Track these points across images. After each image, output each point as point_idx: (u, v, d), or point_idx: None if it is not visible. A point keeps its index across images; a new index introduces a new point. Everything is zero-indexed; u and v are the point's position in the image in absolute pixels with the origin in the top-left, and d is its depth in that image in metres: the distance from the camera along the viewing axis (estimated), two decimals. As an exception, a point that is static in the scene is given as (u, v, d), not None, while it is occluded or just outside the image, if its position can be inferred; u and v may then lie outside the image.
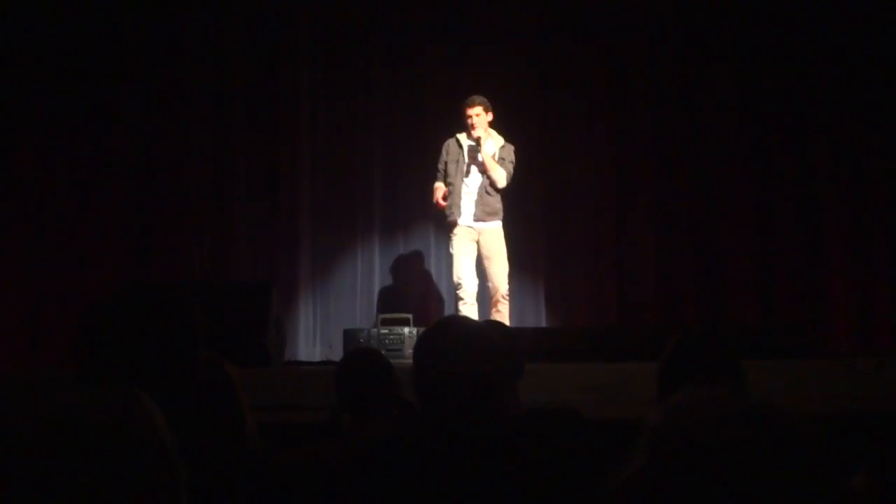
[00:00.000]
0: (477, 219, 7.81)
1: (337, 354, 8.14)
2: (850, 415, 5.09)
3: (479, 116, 7.79)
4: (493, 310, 7.76)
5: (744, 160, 9.34)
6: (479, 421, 2.31)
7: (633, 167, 9.38)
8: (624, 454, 1.42)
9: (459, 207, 7.82)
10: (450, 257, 9.17)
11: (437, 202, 7.92)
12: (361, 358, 3.93)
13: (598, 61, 9.45)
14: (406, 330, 7.95)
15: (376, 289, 9.29)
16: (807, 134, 9.32)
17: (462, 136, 7.92)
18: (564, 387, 6.14)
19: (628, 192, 9.34)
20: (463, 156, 7.86)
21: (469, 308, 7.70)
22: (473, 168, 7.85)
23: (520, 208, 8.88)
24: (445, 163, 7.91)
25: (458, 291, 7.80)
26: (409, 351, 7.38)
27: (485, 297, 7.94)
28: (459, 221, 7.81)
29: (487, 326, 2.54)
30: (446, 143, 7.97)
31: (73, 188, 8.91)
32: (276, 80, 9.30)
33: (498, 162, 7.81)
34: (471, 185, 7.86)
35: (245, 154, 9.18)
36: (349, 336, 8.01)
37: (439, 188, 7.93)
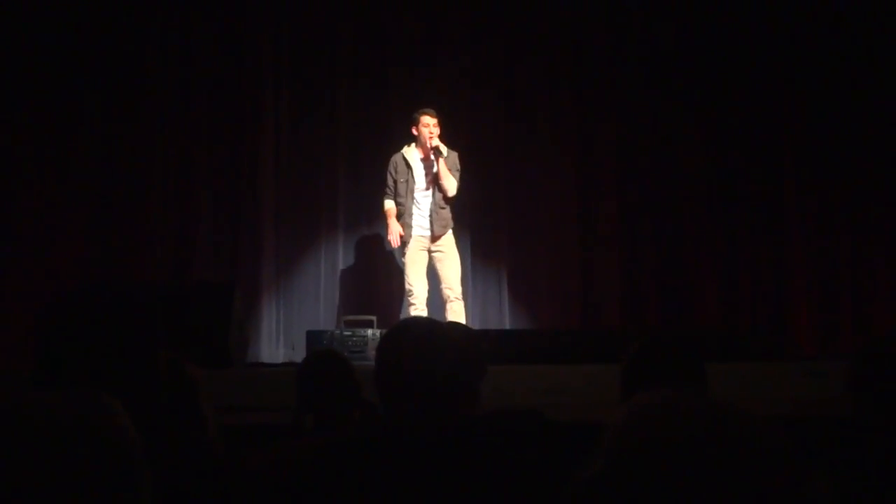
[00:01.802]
0: (434, 235, 7.93)
1: (300, 356, 8.09)
2: (812, 417, 5.12)
3: (437, 127, 7.85)
4: (450, 312, 7.85)
5: (708, 163, 9.39)
6: (440, 422, 2.30)
7: (597, 171, 9.41)
8: (587, 456, 1.41)
9: (411, 227, 7.91)
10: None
11: (395, 243, 7.99)
12: (323, 360, 3.93)
13: (564, 69, 9.45)
14: (369, 331, 7.93)
15: (339, 290, 9.26)
16: (770, 138, 9.39)
17: (409, 152, 7.99)
18: (527, 389, 6.14)
19: (592, 195, 9.37)
20: (412, 173, 7.94)
21: (419, 313, 7.77)
22: (422, 184, 7.93)
23: (485, 213, 8.89)
24: (395, 181, 7.97)
25: (409, 298, 7.89)
26: (372, 352, 7.37)
27: (436, 300, 8.00)
28: (413, 234, 7.91)
29: (450, 328, 2.53)
30: (393, 160, 8.04)
31: (34, 188, 8.83)
32: (240, 81, 9.25)
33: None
34: (422, 202, 7.95)
35: (208, 155, 9.14)
36: (312, 337, 7.97)
37: (394, 227, 7.96)
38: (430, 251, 7.95)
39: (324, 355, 4.06)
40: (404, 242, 7.91)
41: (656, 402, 1.39)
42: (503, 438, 2.34)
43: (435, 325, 2.49)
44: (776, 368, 6.90)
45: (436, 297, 7.96)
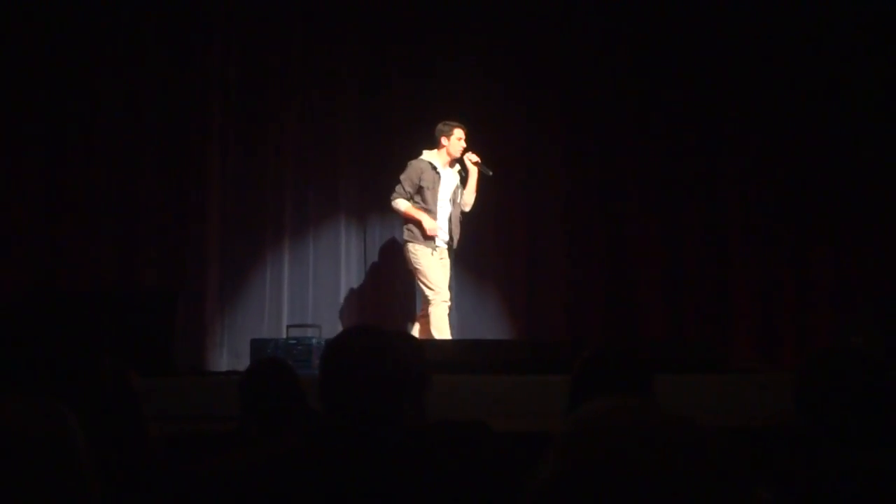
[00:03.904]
0: (453, 245, 8.05)
1: (244, 364, 8.05)
2: (756, 428, 5.16)
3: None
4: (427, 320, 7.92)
5: (652, 178, 9.45)
6: (384, 431, 2.29)
7: (543, 185, 9.42)
8: (532, 466, 1.41)
9: (435, 238, 7.93)
10: (361, 266, 9.17)
11: (435, 231, 7.93)
12: (267, 368, 3.92)
13: (510, 88, 9.45)
14: (314, 340, 7.88)
15: (285, 298, 9.20)
16: (714, 155, 9.46)
17: (434, 160, 7.98)
18: (474, 399, 6.14)
19: (539, 208, 9.38)
20: (440, 181, 7.96)
21: (447, 310, 7.88)
22: (447, 194, 8.00)
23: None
24: (420, 187, 7.91)
25: (438, 299, 7.84)
26: (317, 361, 7.32)
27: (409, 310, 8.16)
28: (437, 245, 7.94)
29: (395, 337, 2.52)
30: (417, 167, 7.97)
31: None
32: (187, 88, 9.16)
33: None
34: (445, 212, 8.02)
35: (154, 162, 9.04)
36: (256, 346, 7.92)
37: (427, 219, 7.90)
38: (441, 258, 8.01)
39: (268, 364, 4.05)
40: (433, 241, 7.89)
41: (602, 412, 1.39)
42: (449, 448, 2.33)
43: (380, 334, 2.48)
44: (720, 380, 6.96)
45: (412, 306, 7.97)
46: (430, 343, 7.55)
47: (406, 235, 7.97)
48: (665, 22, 9.44)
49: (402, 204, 7.92)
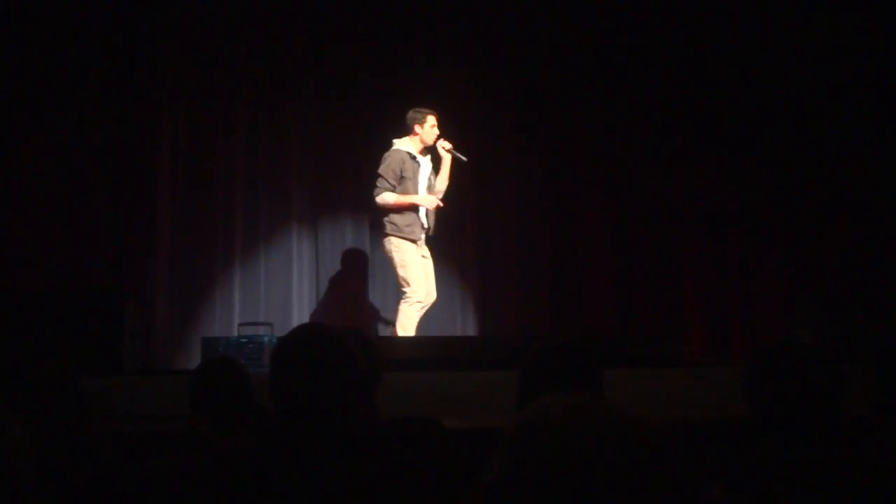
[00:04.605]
0: (430, 235, 7.94)
1: (195, 363, 8.00)
2: (706, 421, 5.20)
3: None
4: (423, 315, 7.85)
5: (602, 172, 9.50)
6: (335, 429, 2.28)
7: (492, 180, 9.43)
8: (483, 462, 1.41)
9: (419, 226, 7.84)
10: (312, 264, 9.13)
11: (433, 203, 7.88)
12: (217, 367, 3.90)
13: (463, 89, 9.45)
14: (266, 338, 7.84)
15: (237, 296, 9.15)
16: (663, 152, 9.51)
17: (410, 148, 7.90)
18: (425, 396, 6.14)
19: (487, 203, 9.39)
20: (420, 170, 7.87)
21: (419, 310, 7.74)
22: (425, 183, 7.92)
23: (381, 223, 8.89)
24: (402, 177, 7.78)
25: (412, 298, 7.73)
26: (268, 359, 7.28)
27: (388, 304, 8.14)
28: (420, 237, 7.85)
29: (345, 334, 2.52)
30: (398, 157, 7.84)
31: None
32: (138, 89, 9.07)
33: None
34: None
35: (102, 162, 8.94)
36: (207, 344, 7.87)
37: (423, 196, 7.86)
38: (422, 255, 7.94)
39: (218, 363, 4.03)
40: (414, 241, 7.79)
41: (552, 408, 1.39)
42: (401, 446, 2.33)
43: (331, 332, 2.48)
44: (670, 374, 7.01)
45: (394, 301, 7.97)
46: (380, 340, 7.54)
47: (388, 229, 7.80)
48: (622, 13, 9.49)
49: (389, 197, 7.74)
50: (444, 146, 7.90)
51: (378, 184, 7.80)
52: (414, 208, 7.81)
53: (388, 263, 8.01)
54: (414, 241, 7.78)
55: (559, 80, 9.53)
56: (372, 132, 8.98)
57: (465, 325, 9.28)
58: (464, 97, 9.39)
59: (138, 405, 6.05)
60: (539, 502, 1.28)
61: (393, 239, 7.80)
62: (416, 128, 7.88)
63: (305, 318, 8.98)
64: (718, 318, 9.37)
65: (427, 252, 7.94)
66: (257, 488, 2.17)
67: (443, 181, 7.97)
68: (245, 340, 7.82)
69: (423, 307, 7.79)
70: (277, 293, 9.20)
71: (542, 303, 9.36)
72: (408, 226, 7.77)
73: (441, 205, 7.92)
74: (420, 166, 7.88)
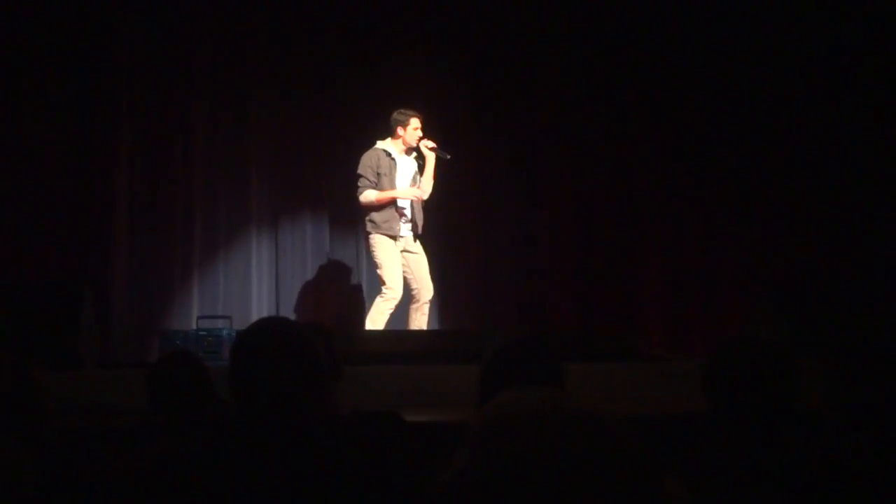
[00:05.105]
0: (416, 234, 7.97)
1: (153, 356, 7.96)
2: (666, 415, 5.23)
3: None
4: (420, 313, 7.96)
5: (565, 165, 9.51)
6: (295, 422, 2.28)
7: (454, 175, 9.41)
8: (444, 456, 1.41)
9: (398, 220, 7.85)
10: (272, 257, 9.10)
11: (418, 194, 7.93)
12: (175, 361, 3.88)
13: (426, 86, 9.43)
14: (225, 331, 7.82)
15: (195, 289, 9.10)
16: (622, 145, 9.53)
17: (390, 148, 7.91)
18: (386, 390, 6.14)
19: (450, 196, 9.38)
20: (396, 170, 7.88)
21: (392, 307, 7.81)
22: (405, 183, 7.93)
23: (354, 218, 8.86)
24: (378, 175, 7.80)
25: (388, 295, 7.80)
26: (227, 353, 7.26)
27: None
28: (399, 231, 7.85)
29: (306, 328, 2.51)
30: (374, 155, 7.87)
31: None
32: (96, 81, 9.00)
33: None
34: (404, 201, 7.93)
35: (59, 150, 8.86)
36: (165, 337, 7.83)
37: (404, 191, 7.89)
38: (403, 251, 7.92)
39: (176, 356, 4.01)
40: (393, 236, 7.80)
41: (516, 404, 1.39)
42: (361, 439, 2.33)
43: (291, 326, 2.48)
44: (629, 368, 7.04)
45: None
46: (341, 334, 7.53)
47: (368, 227, 7.85)
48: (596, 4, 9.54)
49: (371, 194, 7.78)
50: (427, 145, 7.93)
51: (360, 183, 7.84)
52: (395, 204, 7.85)
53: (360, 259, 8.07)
54: (393, 237, 7.81)
55: (521, 68, 9.51)
56: (333, 126, 8.98)
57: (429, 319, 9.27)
58: (423, 89, 9.35)
59: (96, 399, 6.01)
60: (504, 500, 1.28)
61: (373, 236, 7.85)
62: (399, 129, 7.91)
63: (265, 312, 8.95)
64: (677, 312, 9.41)
65: (417, 248, 8.00)
66: (217, 482, 2.16)
67: (428, 180, 7.99)
68: (204, 334, 7.80)
69: (417, 305, 7.93)
70: (236, 286, 9.15)
71: (502, 297, 9.37)
72: (385, 222, 7.81)
73: (422, 197, 7.95)
74: (397, 164, 7.90)
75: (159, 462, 2.22)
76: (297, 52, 9.35)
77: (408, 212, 7.93)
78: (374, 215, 7.82)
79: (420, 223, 8.01)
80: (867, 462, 2.29)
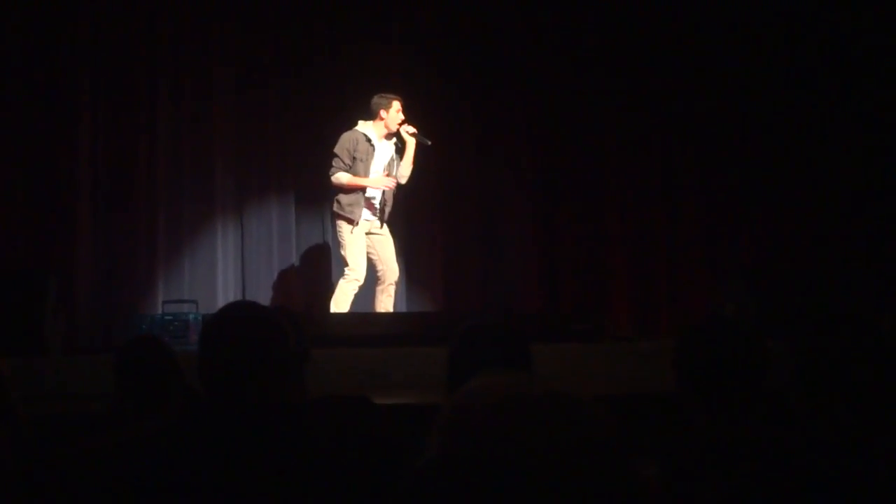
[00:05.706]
0: (384, 219, 8.00)
1: (119, 341, 7.90)
2: (634, 395, 5.26)
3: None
4: (385, 294, 8.00)
5: (529, 149, 9.51)
6: (263, 407, 2.27)
7: (418, 157, 9.40)
8: (414, 439, 1.41)
9: (362, 207, 7.88)
10: (238, 240, 9.07)
11: (391, 183, 7.97)
12: (141, 346, 3.86)
13: (390, 74, 9.39)
14: (191, 316, 7.79)
15: (160, 273, 9.05)
16: (588, 125, 9.55)
17: (369, 132, 7.92)
18: (354, 373, 6.14)
19: (412, 179, 9.36)
20: (374, 154, 7.90)
21: (355, 288, 7.86)
22: (381, 167, 7.95)
23: (320, 201, 8.84)
24: (354, 158, 7.83)
25: (350, 277, 7.85)
26: (194, 337, 7.24)
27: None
28: (361, 220, 7.88)
29: (274, 311, 2.50)
30: (352, 138, 7.90)
31: None
32: (58, 69, 8.92)
33: None
34: (373, 189, 7.96)
35: (21, 135, 8.78)
36: (131, 322, 7.79)
37: (376, 180, 7.91)
38: (368, 233, 7.96)
39: (143, 341, 3.99)
40: (353, 221, 7.82)
41: (485, 390, 1.39)
42: (330, 423, 2.32)
43: (259, 310, 2.47)
44: (596, 349, 7.08)
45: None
46: (308, 316, 7.53)
47: (335, 207, 7.93)
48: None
49: (343, 177, 7.83)
50: (408, 130, 7.95)
51: (333, 163, 7.89)
52: (364, 192, 7.89)
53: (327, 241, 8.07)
54: (353, 222, 7.83)
55: (487, 54, 9.51)
56: (298, 108, 8.98)
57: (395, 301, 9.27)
58: (389, 71, 9.33)
59: (61, 385, 5.98)
60: (477, 484, 1.28)
61: (337, 219, 7.93)
62: (382, 112, 7.92)
63: (231, 295, 8.92)
64: (644, 292, 9.44)
65: (384, 230, 8.03)
66: (185, 467, 2.15)
67: (407, 165, 8.03)
68: (170, 318, 7.77)
69: (383, 287, 7.99)
70: (202, 270, 9.11)
71: (467, 278, 9.37)
72: (349, 205, 7.86)
73: (391, 186, 7.97)
74: (374, 150, 7.92)
75: (126, 449, 2.21)
76: (260, 33, 9.31)
77: (376, 201, 7.96)
78: (342, 197, 7.87)
79: (388, 210, 8.03)
80: (833, 441, 2.31)
